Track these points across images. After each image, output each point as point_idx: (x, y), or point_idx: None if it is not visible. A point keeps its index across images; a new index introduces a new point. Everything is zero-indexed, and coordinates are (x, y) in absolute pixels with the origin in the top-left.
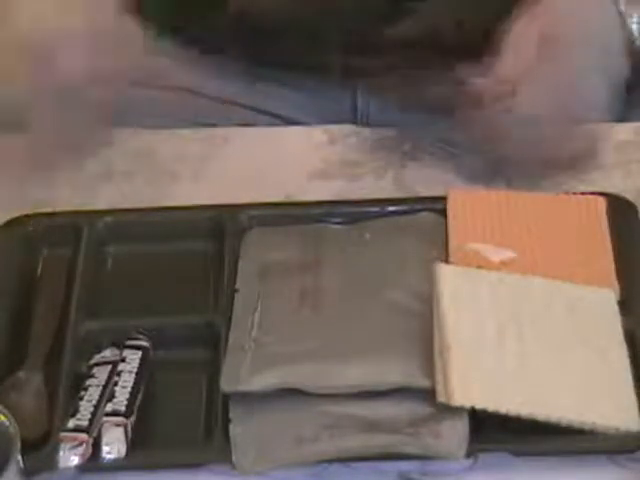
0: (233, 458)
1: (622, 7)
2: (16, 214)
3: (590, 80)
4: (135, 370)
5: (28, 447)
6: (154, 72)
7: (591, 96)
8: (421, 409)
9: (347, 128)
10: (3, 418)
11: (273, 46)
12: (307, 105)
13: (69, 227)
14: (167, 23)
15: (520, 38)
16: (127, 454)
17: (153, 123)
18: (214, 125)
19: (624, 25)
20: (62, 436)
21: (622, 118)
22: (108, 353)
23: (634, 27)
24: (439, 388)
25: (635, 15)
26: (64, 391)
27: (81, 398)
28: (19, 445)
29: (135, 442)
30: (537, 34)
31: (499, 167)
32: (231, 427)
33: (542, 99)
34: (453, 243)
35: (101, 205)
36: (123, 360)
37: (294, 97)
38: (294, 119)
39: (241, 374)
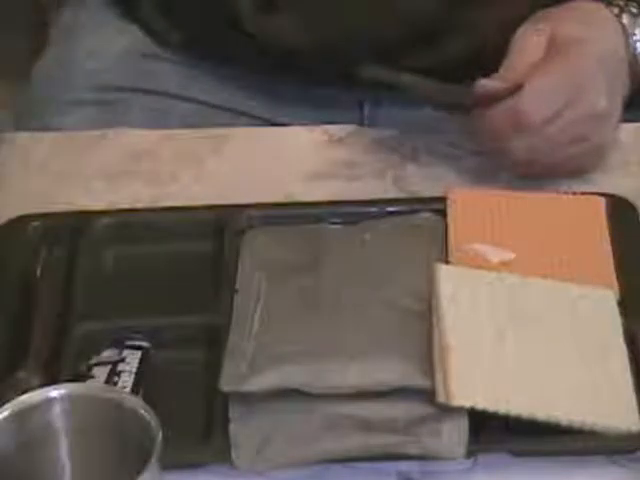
0: (233, 458)
1: (624, 20)
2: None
3: (598, 83)
4: (135, 370)
5: None
6: (156, 78)
7: (598, 100)
8: (421, 409)
9: (347, 128)
10: (143, 412)
11: (289, 66)
12: (315, 117)
13: (69, 227)
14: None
15: (527, 39)
16: None
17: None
18: None
19: (627, 41)
20: None
21: None
22: (108, 353)
23: (637, 44)
24: (439, 388)
25: (637, 31)
26: None
27: None
28: (160, 439)
29: None
30: (545, 35)
31: (501, 168)
32: (231, 427)
33: (549, 96)
34: (453, 243)
35: (101, 205)
36: (123, 360)
37: (302, 109)
38: None
39: (241, 374)
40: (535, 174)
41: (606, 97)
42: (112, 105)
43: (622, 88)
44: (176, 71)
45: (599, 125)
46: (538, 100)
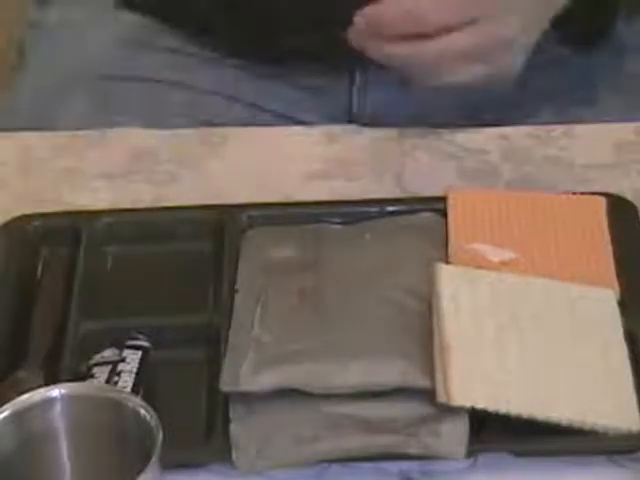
0: (233, 458)
1: None
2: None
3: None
4: (135, 370)
5: None
6: (152, 67)
7: (508, 23)
8: (421, 409)
9: (347, 128)
10: (143, 412)
11: (275, 34)
12: (304, 101)
13: (69, 227)
14: (166, 16)
15: None
16: None
17: (150, 119)
18: (212, 121)
19: None
20: None
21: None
22: (108, 353)
23: None
24: (439, 388)
25: None
26: None
27: None
28: (161, 439)
29: None
30: None
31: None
32: (231, 427)
33: (454, 3)
34: (453, 243)
35: (101, 205)
36: (123, 360)
37: (291, 94)
38: (291, 116)
39: (241, 374)
40: (415, 82)
41: (519, 21)
42: (105, 96)
43: (540, 17)
44: (168, 58)
45: (501, 50)
46: (439, 4)
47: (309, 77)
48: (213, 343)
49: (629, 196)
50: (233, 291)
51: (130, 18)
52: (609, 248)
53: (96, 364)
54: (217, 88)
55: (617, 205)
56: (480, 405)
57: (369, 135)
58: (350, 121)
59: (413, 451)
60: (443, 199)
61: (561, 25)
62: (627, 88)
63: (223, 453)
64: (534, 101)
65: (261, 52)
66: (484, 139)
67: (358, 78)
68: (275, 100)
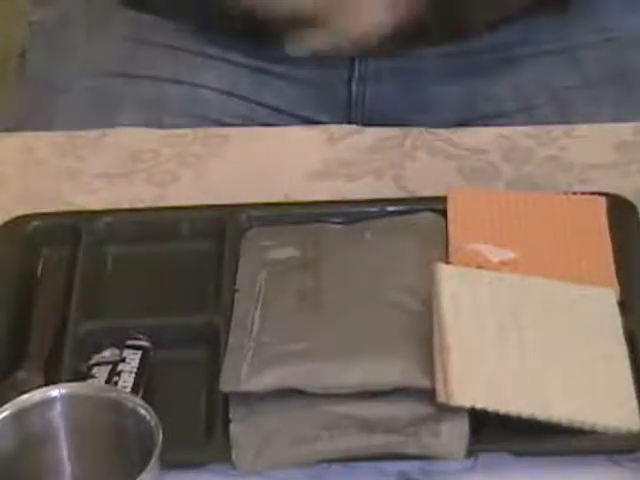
0: (233, 458)
1: None
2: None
3: None
4: (135, 370)
5: None
6: (150, 64)
7: None
8: (421, 409)
9: (347, 128)
10: (143, 412)
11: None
12: (303, 96)
13: (69, 227)
14: (165, 11)
15: None
16: None
17: (150, 116)
18: (211, 116)
19: None
20: None
21: None
22: (108, 353)
23: None
24: (439, 388)
25: None
26: None
27: None
28: (161, 439)
29: None
30: None
31: None
32: (231, 427)
33: None
34: (453, 243)
35: (101, 205)
36: (123, 360)
37: (290, 88)
38: (291, 112)
39: (241, 374)
40: None
41: None
42: (105, 93)
43: None
44: (167, 56)
45: None
46: None
47: (308, 71)
48: (213, 343)
49: (629, 196)
50: (233, 291)
51: (129, 15)
52: (609, 248)
53: (96, 364)
54: (216, 84)
55: (617, 205)
56: (480, 405)
57: (369, 135)
58: (349, 115)
59: (413, 451)
60: (443, 199)
61: None
62: (627, 80)
63: (223, 453)
64: (532, 94)
65: (260, 34)
66: (484, 139)
67: (357, 71)
68: (274, 95)
